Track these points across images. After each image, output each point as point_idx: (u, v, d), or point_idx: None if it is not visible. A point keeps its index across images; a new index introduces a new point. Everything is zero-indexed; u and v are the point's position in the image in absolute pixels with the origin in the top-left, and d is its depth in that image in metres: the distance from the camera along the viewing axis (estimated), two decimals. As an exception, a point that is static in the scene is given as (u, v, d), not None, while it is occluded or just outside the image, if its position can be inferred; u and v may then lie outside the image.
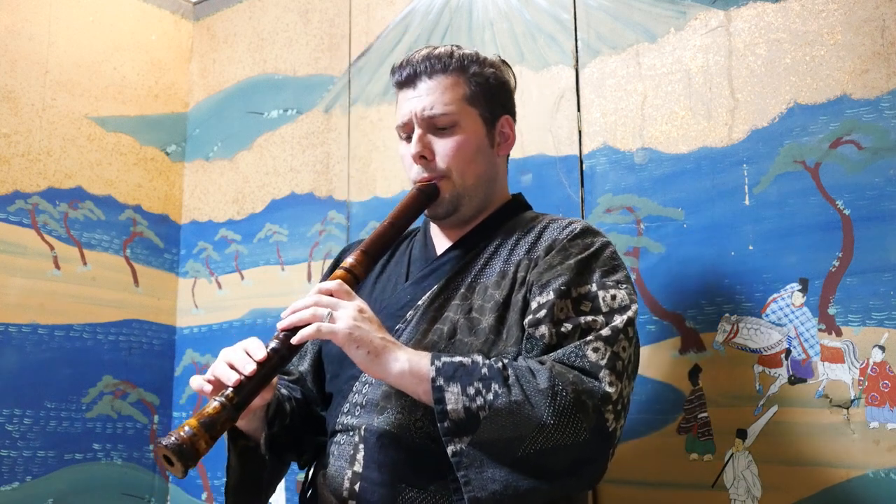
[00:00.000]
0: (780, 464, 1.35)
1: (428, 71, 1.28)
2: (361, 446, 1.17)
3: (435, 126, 1.27)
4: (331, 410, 1.28)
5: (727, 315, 1.44)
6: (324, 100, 2.19)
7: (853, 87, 1.37)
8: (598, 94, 1.67)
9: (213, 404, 1.04)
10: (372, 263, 1.22)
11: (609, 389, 1.06)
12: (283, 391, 1.33)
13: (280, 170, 2.25)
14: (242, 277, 2.29)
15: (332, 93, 2.17)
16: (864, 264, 1.32)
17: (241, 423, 1.21)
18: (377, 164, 2.04)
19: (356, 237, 1.98)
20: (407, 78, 1.29)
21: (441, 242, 1.35)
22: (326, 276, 1.39)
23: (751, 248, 1.43)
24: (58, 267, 2.17)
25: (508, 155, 1.39)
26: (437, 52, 1.29)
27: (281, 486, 2.00)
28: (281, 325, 1.10)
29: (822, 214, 1.37)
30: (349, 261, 1.19)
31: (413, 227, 1.33)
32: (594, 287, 1.15)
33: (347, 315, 1.08)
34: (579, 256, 1.18)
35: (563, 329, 1.11)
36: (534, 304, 1.15)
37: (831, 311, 1.34)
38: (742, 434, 1.40)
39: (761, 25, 1.48)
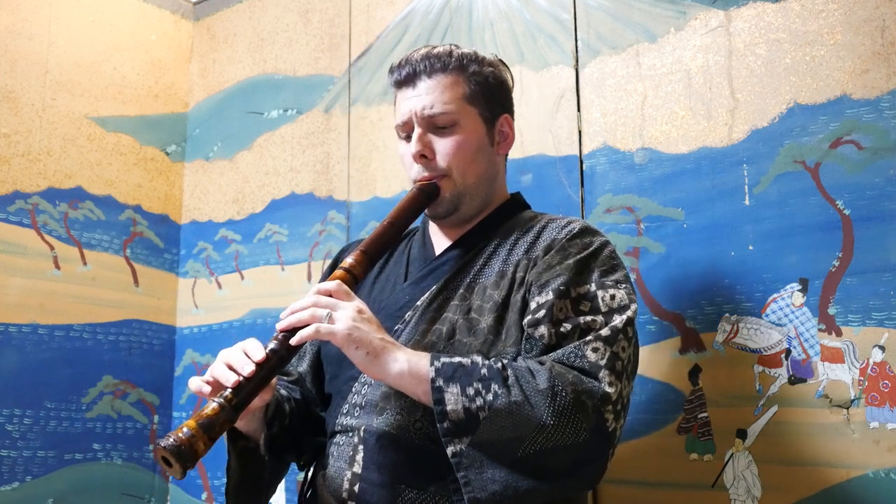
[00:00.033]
0: (780, 464, 1.35)
1: (427, 70, 1.27)
2: (361, 447, 1.17)
3: (435, 125, 1.27)
4: (330, 411, 1.28)
5: (727, 315, 1.44)
6: (324, 100, 2.19)
7: (853, 87, 1.37)
8: (598, 94, 1.66)
9: (212, 405, 1.04)
10: (371, 263, 1.21)
11: (609, 389, 1.06)
12: (283, 392, 1.33)
13: (280, 170, 2.25)
14: (242, 277, 2.29)
15: (332, 93, 2.17)
16: (864, 264, 1.32)
17: (241, 424, 1.21)
18: (377, 164, 2.04)
19: (356, 237, 1.98)
20: (406, 77, 1.29)
21: (440, 242, 1.35)
22: (325, 276, 1.39)
23: (751, 248, 1.43)
24: (58, 267, 2.17)
25: (507, 154, 1.39)
26: (436, 51, 1.29)
27: (281, 487, 2.00)
28: (280, 325, 1.10)
29: (822, 214, 1.37)
30: (348, 261, 1.19)
31: (412, 226, 1.33)
32: (593, 287, 1.15)
33: (346, 316, 1.08)
34: (578, 256, 1.18)
35: (562, 329, 1.11)
36: (533, 305, 1.14)
37: (831, 311, 1.34)
38: (742, 434, 1.39)
39: (761, 25, 1.48)
